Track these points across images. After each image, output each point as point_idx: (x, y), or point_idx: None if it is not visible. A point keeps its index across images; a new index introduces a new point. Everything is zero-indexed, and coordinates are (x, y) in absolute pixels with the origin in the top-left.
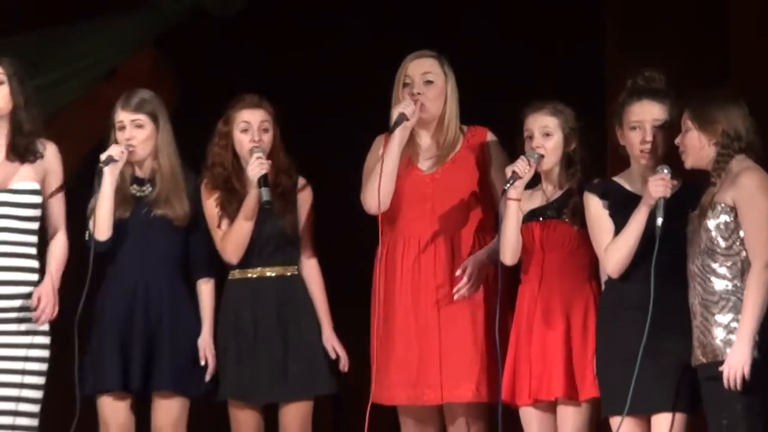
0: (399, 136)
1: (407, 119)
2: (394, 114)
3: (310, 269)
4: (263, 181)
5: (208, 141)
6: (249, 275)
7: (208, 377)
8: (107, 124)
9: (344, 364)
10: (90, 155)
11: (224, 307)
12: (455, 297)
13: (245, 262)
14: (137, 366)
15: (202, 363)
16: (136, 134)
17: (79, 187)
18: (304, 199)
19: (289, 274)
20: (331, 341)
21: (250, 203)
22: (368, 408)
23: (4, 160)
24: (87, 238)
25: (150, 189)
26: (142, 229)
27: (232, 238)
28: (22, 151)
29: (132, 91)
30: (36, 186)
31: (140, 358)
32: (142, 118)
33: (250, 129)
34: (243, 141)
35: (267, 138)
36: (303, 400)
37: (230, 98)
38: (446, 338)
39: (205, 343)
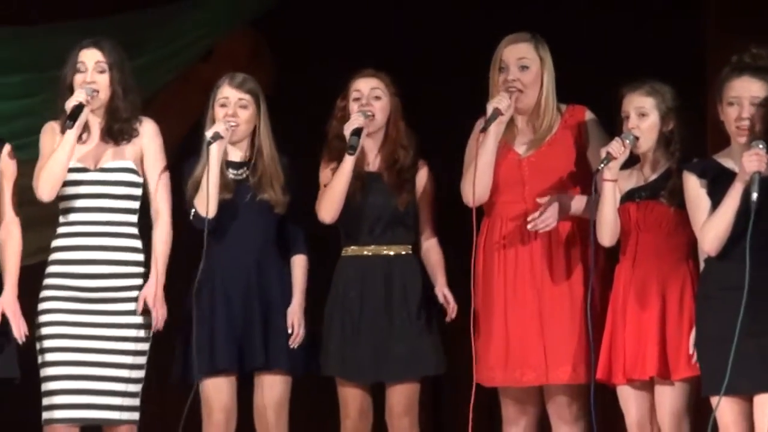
0: (494, 132)
1: (501, 114)
2: (489, 109)
3: (431, 249)
4: (355, 131)
5: (304, 123)
6: (359, 253)
7: (293, 345)
8: (203, 106)
9: (452, 309)
10: (187, 136)
11: (334, 283)
12: (528, 227)
13: (356, 239)
14: (253, 346)
15: (289, 331)
16: (240, 113)
17: (177, 167)
18: (422, 179)
19: (402, 253)
20: (442, 289)
21: (345, 162)
22: (473, 388)
23: (99, 141)
24: (191, 216)
25: (246, 173)
26: (246, 213)
27: (326, 194)
28: (116, 134)
29: (236, 72)
30: (129, 164)
31: (252, 338)
32: (246, 98)
33: (362, 97)
34: (354, 109)
35: (379, 105)
36: (408, 381)
37: (328, 79)
38: (543, 320)
39: (294, 313)
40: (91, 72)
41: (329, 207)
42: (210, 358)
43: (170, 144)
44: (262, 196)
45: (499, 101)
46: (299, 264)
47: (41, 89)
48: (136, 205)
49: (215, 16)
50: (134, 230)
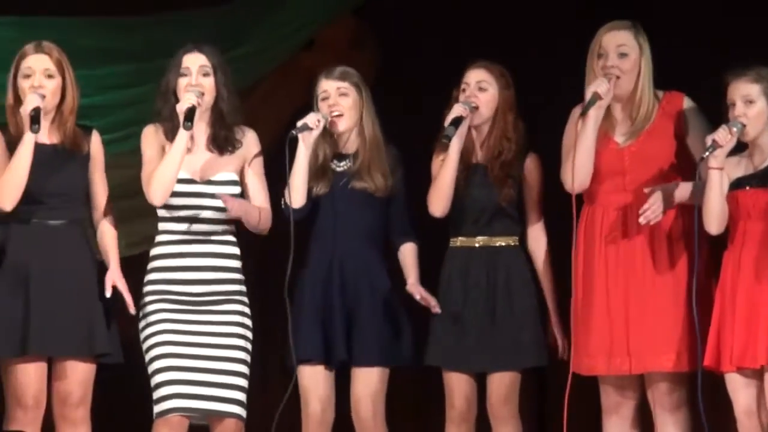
0: (593, 116)
1: (601, 98)
2: (588, 94)
3: (535, 241)
4: (454, 121)
5: (408, 111)
6: (465, 244)
7: (436, 310)
8: (305, 94)
9: (554, 341)
10: (289, 124)
11: (441, 272)
12: (640, 220)
13: (461, 230)
14: (338, 338)
15: (417, 296)
16: (342, 102)
17: (277, 157)
18: (529, 171)
19: (510, 243)
20: (554, 324)
21: (449, 153)
22: (569, 377)
23: (204, 150)
24: (283, 206)
25: (350, 164)
26: (340, 202)
27: (434, 187)
28: (221, 143)
29: (335, 65)
30: (234, 177)
31: (341, 330)
32: (346, 86)
33: (468, 88)
34: (459, 100)
35: (484, 97)
36: (509, 371)
37: (434, 66)
38: (646, 308)
39: (415, 288)
40: (196, 75)
41: (436, 200)
42: (296, 348)
43: (271, 133)
44: (357, 185)
45: (598, 85)
46: (410, 251)
47: (148, 79)
48: None
49: (316, 4)
50: (234, 238)
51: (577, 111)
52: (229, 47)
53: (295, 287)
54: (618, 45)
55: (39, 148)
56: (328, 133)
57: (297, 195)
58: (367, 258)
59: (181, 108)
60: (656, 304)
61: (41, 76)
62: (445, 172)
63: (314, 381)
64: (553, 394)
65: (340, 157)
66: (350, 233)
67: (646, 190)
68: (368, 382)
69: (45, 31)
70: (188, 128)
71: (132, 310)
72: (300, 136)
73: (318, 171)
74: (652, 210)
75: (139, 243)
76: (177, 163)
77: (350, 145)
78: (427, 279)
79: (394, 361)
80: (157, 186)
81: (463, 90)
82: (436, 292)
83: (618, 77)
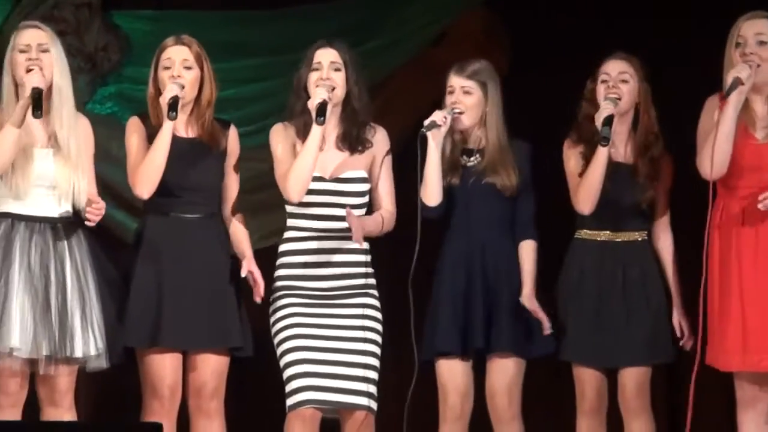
0: (734, 101)
1: (742, 83)
2: (729, 78)
3: (664, 241)
4: (606, 120)
5: (540, 105)
6: (593, 237)
7: (546, 332)
8: (437, 88)
9: (686, 340)
10: (420, 122)
11: (569, 266)
12: (759, 206)
13: (592, 224)
14: (477, 326)
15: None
16: (465, 99)
17: (407, 154)
18: (664, 172)
19: (637, 239)
20: (678, 317)
21: (599, 154)
22: (695, 371)
23: (334, 149)
24: (420, 205)
25: (479, 159)
26: (472, 195)
27: (582, 186)
28: (352, 142)
29: (469, 60)
30: (364, 174)
31: (481, 318)
32: (470, 85)
33: (609, 79)
34: (600, 91)
35: (625, 88)
36: (642, 365)
37: (565, 59)
38: None
39: (528, 301)
40: (327, 70)
41: (586, 199)
42: (432, 340)
43: (401, 130)
44: (486, 180)
45: (740, 70)
46: (527, 250)
47: (279, 72)
48: (364, 212)
49: None
50: None
51: (712, 100)
52: (359, 41)
53: (433, 278)
54: (756, 33)
55: (177, 141)
56: (456, 129)
57: (432, 192)
58: (504, 248)
59: (312, 104)
60: None
61: (180, 67)
62: (595, 171)
63: (452, 374)
64: (685, 387)
65: (469, 152)
66: (485, 224)
67: None
68: (505, 372)
69: (178, 25)
70: (321, 123)
71: (259, 299)
72: (429, 134)
73: (448, 165)
74: None
75: (270, 236)
76: (313, 159)
77: (477, 140)
78: (549, 270)
79: (530, 353)
80: (294, 183)
81: (604, 81)
82: (557, 281)
83: (758, 65)
